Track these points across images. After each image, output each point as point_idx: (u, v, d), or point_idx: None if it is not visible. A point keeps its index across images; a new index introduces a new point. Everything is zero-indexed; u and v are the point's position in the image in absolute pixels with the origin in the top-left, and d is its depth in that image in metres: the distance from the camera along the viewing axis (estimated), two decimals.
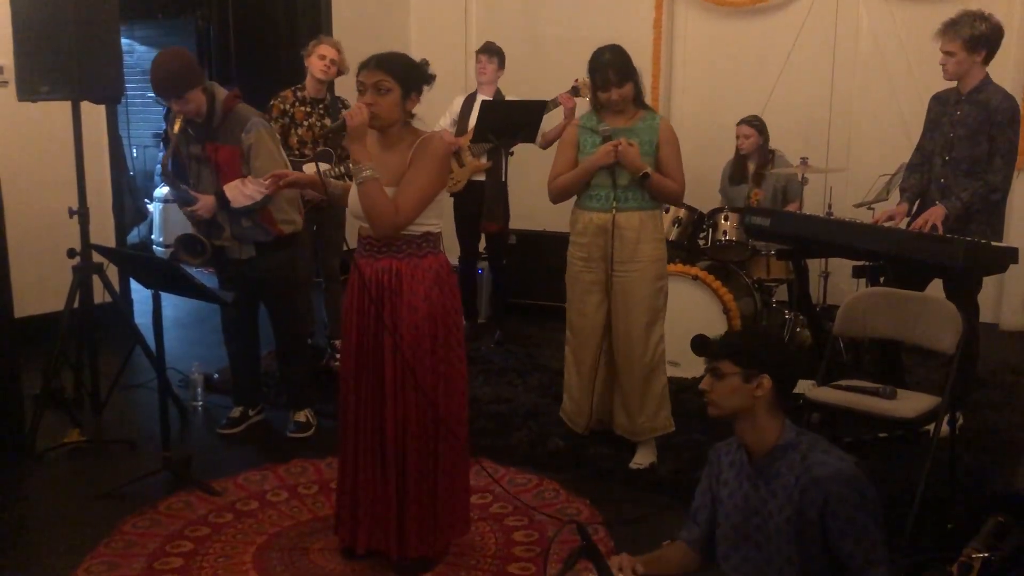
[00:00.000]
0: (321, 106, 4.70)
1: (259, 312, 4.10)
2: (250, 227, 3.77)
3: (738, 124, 5.37)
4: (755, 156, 5.34)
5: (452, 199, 5.26)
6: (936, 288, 3.74)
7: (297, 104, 4.68)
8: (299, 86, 4.72)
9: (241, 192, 3.65)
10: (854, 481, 2.11)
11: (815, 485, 2.11)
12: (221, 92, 3.71)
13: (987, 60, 3.74)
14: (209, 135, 3.70)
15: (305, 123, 4.66)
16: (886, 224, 3.85)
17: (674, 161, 3.55)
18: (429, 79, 2.80)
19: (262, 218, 3.76)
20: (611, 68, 3.46)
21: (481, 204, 5.18)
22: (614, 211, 3.51)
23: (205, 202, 3.68)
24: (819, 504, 2.10)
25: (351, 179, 2.73)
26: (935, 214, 3.67)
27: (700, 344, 2.33)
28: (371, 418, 2.80)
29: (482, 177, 5.19)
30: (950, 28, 3.71)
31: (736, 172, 5.38)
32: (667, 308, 3.68)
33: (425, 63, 2.79)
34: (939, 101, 3.95)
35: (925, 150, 3.98)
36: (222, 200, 3.66)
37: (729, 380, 2.22)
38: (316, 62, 4.62)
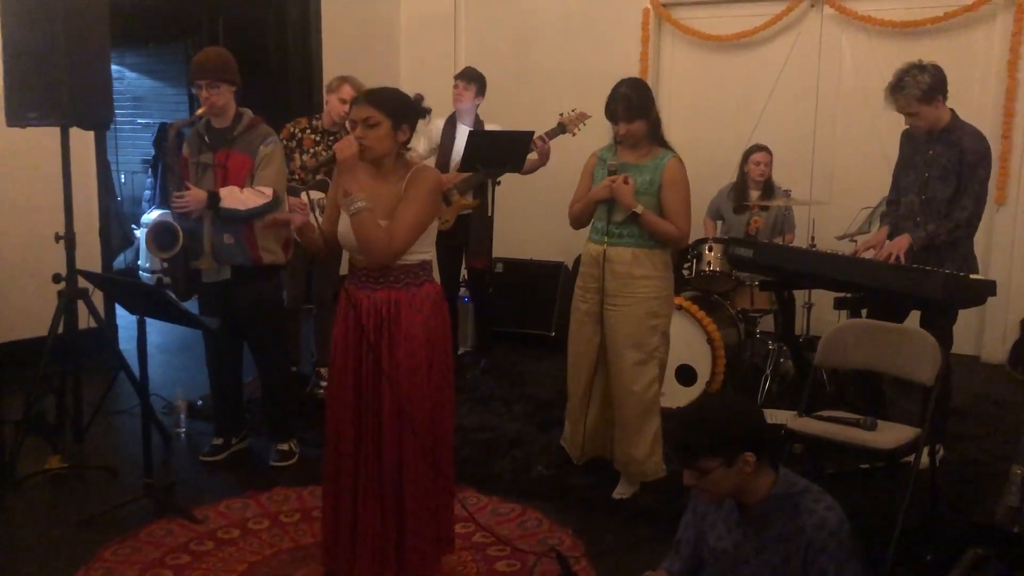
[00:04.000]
0: (332, 138, 4.75)
1: (241, 342, 4.08)
2: (232, 245, 3.78)
3: (753, 152, 5.40)
4: (759, 184, 5.39)
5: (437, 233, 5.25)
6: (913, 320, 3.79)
7: (308, 131, 4.75)
8: (316, 115, 4.79)
9: (235, 196, 3.70)
10: (837, 531, 2.11)
11: (799, 534, 2.13)
12: (249, 112, 3.89)
13: (945, 99, 3.79)
14: (225, 143, 3.80)
15: (312, 150, 4.72)
16: (867, 254, 3.90)
17: (676, 204, 3.49)
18: (423, 112, 2.87)
19: (245, 237, 3.77)
20: (622, 103, 3.46)
21: (465, 237, 5.20)
22: (606, 245, 3.54)
23: (196, 193, 3.70)
24: (802, 552, 2.11)
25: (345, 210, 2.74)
26: (899, 245, 3.76)
27: (679, 449, 2.25)
28: (371, 448, 2.79)
29: (469, 211, 5.21)
30: (899, 92, 3.73)
31: (739, 198, 5.40)
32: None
33: (419, 97, 2.84)
34: (910, 139, 4.00)
35: (900, 185, 4.04)
36: (213, 199, 3.69)
37: (713, 473, 2.15)
38: (337, 105, 4.66)
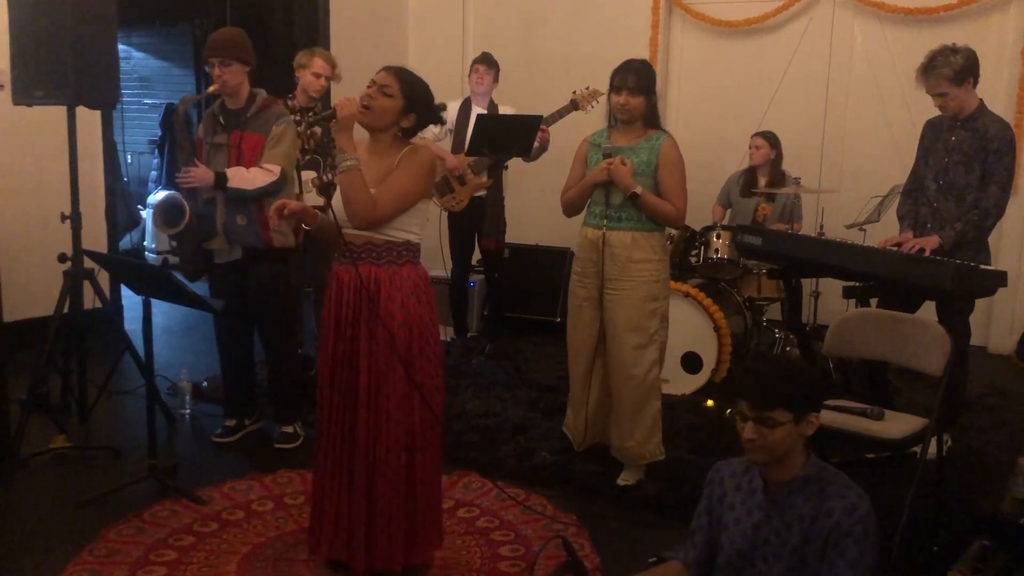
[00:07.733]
0: (310, 115, 4.69)
1: (253, 323, 4.08)
2: (244, 226, 3.78)
3: (752, 136, 5.43)
4: (766, 170, 5.37)
5: (446, 214, 5.24)
6: (928, 310, 3.76)
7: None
8: (289, 95, 4.72)
9: (242, 175, 3.71)
10: (864, 518, 2.12)
11: (827, 516, 2.12)
12: (263, 93, 3.89)
13: (975, 84, 3.78)
14: (239, 125, 3.80)
15: None
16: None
17: (673, 183, 3.51)
18: (439, 118, 2.87)
19: (258, 219, 3.77)
20: (633, 73, 3.46)
21: (478, 220, 5.18)
22: (605, 229, 3.53)
23: (202, 172, 3.71)
24: (825, 534, 2.11)
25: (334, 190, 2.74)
26: (929, 242, 3.72)
27: (758, 395, 2.15)
28: (343, 426, 2.78)
29: (483, 193, 5.18)
30: (931, 71, 3.73)
31: (747, 185, 5.42)
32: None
33: (442, 106, 2.86)
34: (933, 127, 3.97)
35: (918, 175, 4.01)
36: (220, 180, 3.70)
37: (781, 428, 2.12)
38: (312, 80, 4.60)
